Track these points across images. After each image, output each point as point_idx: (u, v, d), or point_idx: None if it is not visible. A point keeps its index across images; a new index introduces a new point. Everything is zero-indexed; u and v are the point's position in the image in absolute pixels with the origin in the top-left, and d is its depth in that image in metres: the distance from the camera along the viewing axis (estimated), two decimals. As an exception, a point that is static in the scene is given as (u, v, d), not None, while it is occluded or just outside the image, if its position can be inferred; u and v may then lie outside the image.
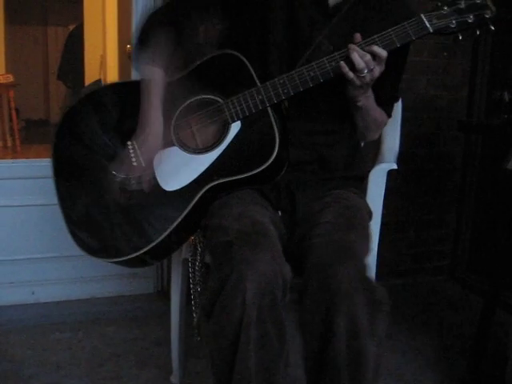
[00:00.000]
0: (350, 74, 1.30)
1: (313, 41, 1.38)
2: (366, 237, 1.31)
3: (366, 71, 1.29)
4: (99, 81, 5.44)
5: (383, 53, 1.29)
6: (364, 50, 1.28)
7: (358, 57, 1.28)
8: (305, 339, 1.22)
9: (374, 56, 1.29)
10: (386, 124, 1.56)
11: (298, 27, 1.40)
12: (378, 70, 1.31)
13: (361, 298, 1.15)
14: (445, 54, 2.61)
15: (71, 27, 6.57)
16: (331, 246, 1.20)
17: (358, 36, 1.30)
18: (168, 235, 1.34)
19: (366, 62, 1.28)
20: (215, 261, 1.27)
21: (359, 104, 1.38)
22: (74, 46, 6.18)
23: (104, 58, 5.55)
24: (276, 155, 1.32)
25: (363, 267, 1.20)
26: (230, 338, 1.14)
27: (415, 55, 2.55)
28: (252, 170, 1.33)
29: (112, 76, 5.22)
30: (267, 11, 1.40)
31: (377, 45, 1.29)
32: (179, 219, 1.34)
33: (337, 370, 1.15)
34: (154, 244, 1.33)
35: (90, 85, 5.47)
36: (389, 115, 1.54)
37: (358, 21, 1.40)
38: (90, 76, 5.74)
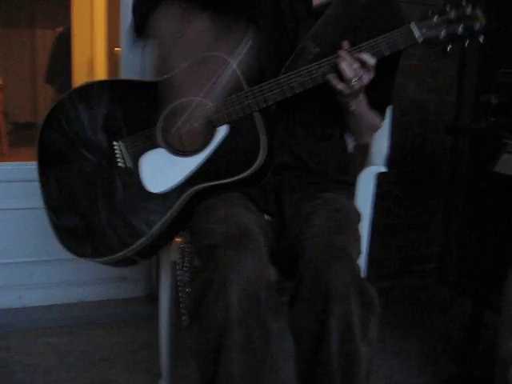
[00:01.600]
0: (340, 86, 1.30)
1: (297, 40, 1.38)
2: (357, 239, 1.32)
3: (354, 80, 1.29)
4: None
5: (372, 60, 1.28)
6: (353, 57, 1.28)
7: (347, 65, 1.28)
8: (297, 341, 1.22)
9: (363, 63, 1.28)
10: (380, 127, 1.56)
11: (283, 25, 1.40)
12: (366, 78, 1.30)
13: (355, 299, 1.15)
14: (433, 58, 2.63)
15: (59, 30, 6.54)
16: (324, 248, 1.20)
17: (345, 44, 1.30)
18: (152, 237, 1.34)
19: (354, 70, 1.28)
20: (201, 263, 1.27)
21: (351, 109, 1.38)
22: (62, 49, 6.14)
23: (92, 61, 5.52)
24: (261, 160, 1.32)
25: (356, 268, 1.20)
26: (214, 341, 1.14)
27: (404, 59, 2.53)
28: (237, 175, 1.33)
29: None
30: (254, 9, 1.40)
31: (366, 52, 1.29)
32: (164, 222, 1.34)
33: (329, 371, 1.15)
34: (135, 246, 1.34)
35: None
36: (382, 117, 1.54)
37: (345, 24, 1.39)
38: (78, 79, 5.69)
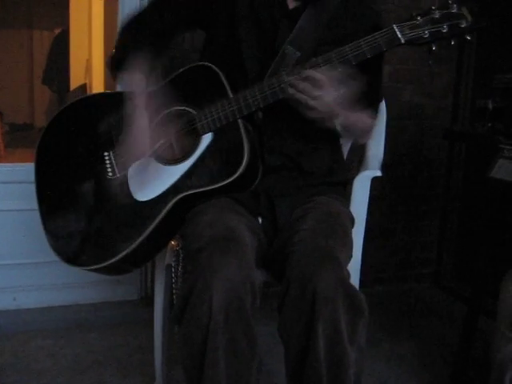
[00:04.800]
0: (300, 109, 1.30)
1: (278, 45, 1.39)
2: (347, 243, 1.32)
3: (310, 101, 1.27)
4: (84, 85, 5.42)
5: (317, 74, 1.26)
6: (299, 78, 1.27)
7: (294, 91, 1.28)
8: (286, 345, 1.22)
9: (312, 81, 1.26)
10: (375, 125, 1.55)
11: (262, 30, 1.41)
12: (330, 95, 1.27)
13: (342, 303, 1.15)
14: (430, 62, 2.62)
15: (57, 31, 6.54)
16: (312, 252, 1.20)
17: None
18: (140, 244, 1.36)
19: (302, 91, 1.27)
20: (190, 267, 1.27)
21: (338, 128, 1.38)
22: (60, 51, 6.14)
23: (90, 62, 5.52)
24: (245, 166, 1.33)
25: (344, 273, 1.20)
26: (199, 344, 1.14)
27: (400, 64, 2.57)
28: (221, 182, 1.34)
29: (97, 81, 5.20)
30: (234, 19, 1.41)
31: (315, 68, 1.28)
32: (150, 229, 1.36)
33: (317, 375, 1.15)
34: (125, 253, 1.36)
35: (75, 89, 5.44)
36: (374, 116, 1.53)
37: (321, 26, 1.39)
38: (76, 81, 5.70)
